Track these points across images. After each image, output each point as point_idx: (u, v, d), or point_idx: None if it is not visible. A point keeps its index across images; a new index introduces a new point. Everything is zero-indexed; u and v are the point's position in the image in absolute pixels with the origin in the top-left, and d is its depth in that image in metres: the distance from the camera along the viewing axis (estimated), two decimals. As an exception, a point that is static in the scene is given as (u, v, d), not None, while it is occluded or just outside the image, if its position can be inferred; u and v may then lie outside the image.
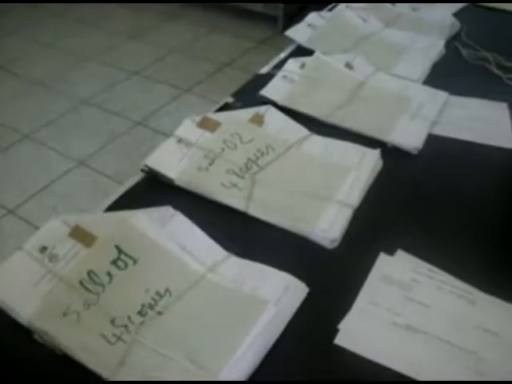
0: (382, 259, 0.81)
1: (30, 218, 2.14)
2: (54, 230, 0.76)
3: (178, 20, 3.72)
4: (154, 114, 2.69)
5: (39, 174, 2.39)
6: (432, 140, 1.07)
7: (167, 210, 0.81)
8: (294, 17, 3.27)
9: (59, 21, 3.69)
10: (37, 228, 0.76)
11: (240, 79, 2.95)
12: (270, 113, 1.04)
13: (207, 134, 0.97)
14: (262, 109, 1.04)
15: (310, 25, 1.43)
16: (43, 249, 0.74)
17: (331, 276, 0.79)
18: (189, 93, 2.89)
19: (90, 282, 0.72)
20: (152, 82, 3.01)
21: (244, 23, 3.61)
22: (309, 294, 0.74)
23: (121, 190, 0.90)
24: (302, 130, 1.02)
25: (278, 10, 3.50)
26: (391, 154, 1.02)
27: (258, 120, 1.01)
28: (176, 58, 3.27)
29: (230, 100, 1.13)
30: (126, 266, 0.74)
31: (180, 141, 0.96)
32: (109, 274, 0.73)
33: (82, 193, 2.27)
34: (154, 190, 0.92)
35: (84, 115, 2.77)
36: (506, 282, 0.79)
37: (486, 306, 0.76)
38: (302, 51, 1.36)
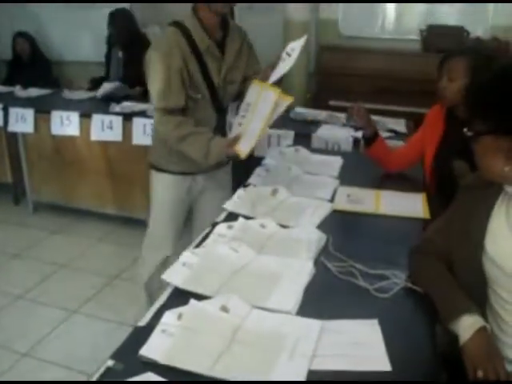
0: None
1: None
2: None
3: (63, 232, 3.74)
4: (42, 342, 2.57)
5: None
6: (312, 376, 1.11)
7: None
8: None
9: None
10: None
11: (129, 291, 2.97)
12: None
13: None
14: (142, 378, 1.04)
15: (184, 264, 1.48)
16: None
17: None
18: (78, 313, 2.82)
19: None
20: (38, 305, 2.92)
21: (130, 231, 3.68)
22: None
23: None
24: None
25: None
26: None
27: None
28: (62, 275, 3.22)
29: (110, 363, 1.13)
30: None
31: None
32: None
33: None
34: None
35: (-36, 352, 2.60)
36: None
37: None
38: (180, 292, 1.40)
